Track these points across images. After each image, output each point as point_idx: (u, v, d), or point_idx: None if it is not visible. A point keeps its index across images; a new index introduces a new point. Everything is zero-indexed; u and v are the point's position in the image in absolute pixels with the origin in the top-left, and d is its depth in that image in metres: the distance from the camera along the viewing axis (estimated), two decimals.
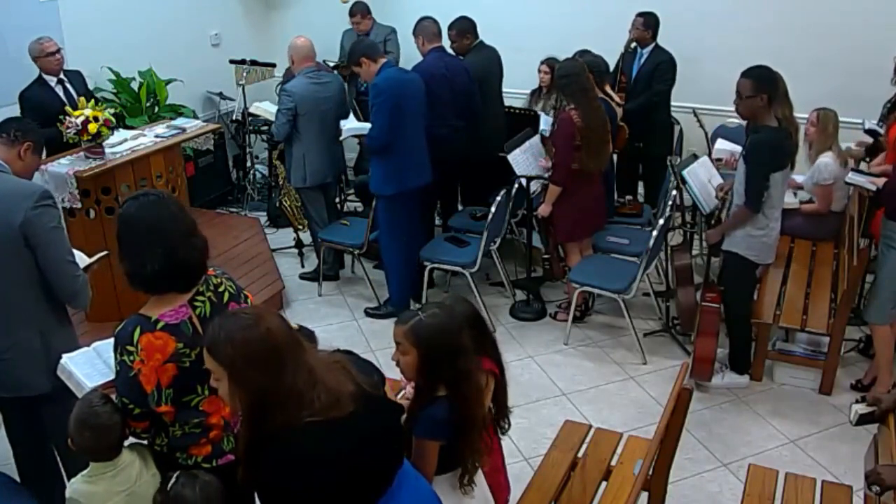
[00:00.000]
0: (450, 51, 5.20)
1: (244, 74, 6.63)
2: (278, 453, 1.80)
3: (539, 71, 5.75)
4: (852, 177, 4.43)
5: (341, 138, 4.93)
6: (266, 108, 5.25)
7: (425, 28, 5.03)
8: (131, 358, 2.08)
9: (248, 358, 1.78)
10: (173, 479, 2.12)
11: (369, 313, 5.08)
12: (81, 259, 2.89)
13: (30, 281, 2.68)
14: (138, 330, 2.09)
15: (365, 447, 1.92)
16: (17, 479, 3.11)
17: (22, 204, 2.60)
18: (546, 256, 5.09)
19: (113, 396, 2.18)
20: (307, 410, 1.81)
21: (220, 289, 2.27)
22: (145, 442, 2.28)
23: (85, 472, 2.20)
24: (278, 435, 1.80)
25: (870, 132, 4.87)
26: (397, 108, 4.55)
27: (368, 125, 4.71)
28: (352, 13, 6.47)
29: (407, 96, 4.62)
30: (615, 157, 5.25)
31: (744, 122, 4.31)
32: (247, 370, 1.78)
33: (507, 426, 2.57)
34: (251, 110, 5.53)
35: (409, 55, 5.36)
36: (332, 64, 6.52)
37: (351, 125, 4.91)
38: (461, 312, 2.40)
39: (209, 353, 1.83)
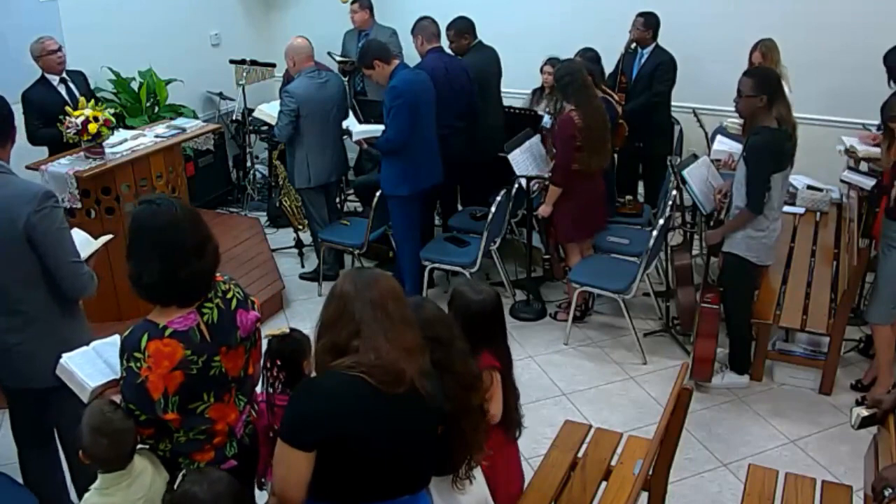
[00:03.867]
0: (448, 51, 5.20)
1: (244, 74, 6.64)
2: (310, 385, 2.01)
3: (542, 71, 5.71)
4: (848, 175, 4.44)
5: (353, 140, 4.92)
6: (269, 113, 5.24)
7: (425, 28, 5.02)
8: (138, 365, 2.06)
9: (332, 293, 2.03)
10: (180, 477, 2.09)
11: None
12: (88, 242, 2.88)
13: (37, 278, 2.68)
14: (146, 336, 2.07)
15: (390, 429, 1.95)
16: (18, 478, 3.11)
17: (25, 207, 2.59)
18: (546, 257, 5.09)
19: (116, 399, 2.16)
20: (349, 358, 1.92)
21: (229, 295, 2.26)
22: (149, 447, 2.27)
23: (97, 484, 2.15)
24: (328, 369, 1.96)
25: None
26: (414, 111, 4.54)
27: (379, 127, 4.70)
28: (352, 0, 6.45)
29: (422, 98, 4.62)
30: (615, 157, 5.24)
31: (741, 126, 4.32)
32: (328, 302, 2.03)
33: (518, 430, 2.57)
34: (255, 115, 5.52)
35: (411, 56, 5.35)
36: (338, 58, 6.51)
37: (362, 127, 4.89)
38: (463, 304, 2.44)
39: None
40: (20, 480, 3.09)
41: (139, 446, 2.21)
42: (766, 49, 4.96)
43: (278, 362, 2.37)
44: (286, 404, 2.06)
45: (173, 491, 2.08)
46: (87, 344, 2.44)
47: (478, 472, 2.36)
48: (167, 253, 2.07)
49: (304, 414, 1.94)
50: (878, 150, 4.58)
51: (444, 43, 5.21)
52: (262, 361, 2.43)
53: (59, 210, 2.72)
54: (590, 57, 5.10)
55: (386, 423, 1.94)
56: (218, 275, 2.25)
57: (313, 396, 1.96)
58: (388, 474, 2.00)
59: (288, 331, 2.44)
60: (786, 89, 4.58)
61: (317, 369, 2.01)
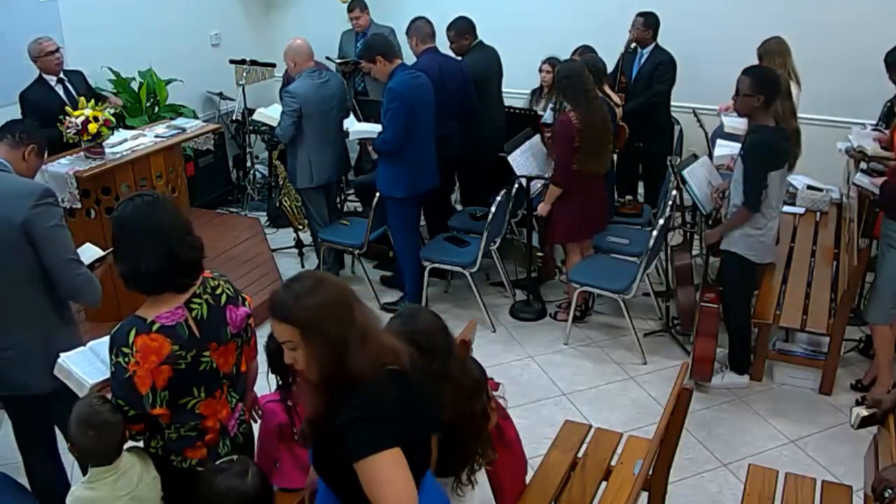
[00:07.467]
0: (446, 51, 5.19)
1: (244, 74, 6.64)
2: (362, 397, 1.77)
3: (541, 70, 5.74)
4: (860, 179, 4.43)
5: (350, 139, 4.90)
6: (270, 115, 5.25)
7: (419, 28, 5.01)
8: (126, 359, 2.07)
9: (322, 313, 1.76)
10: (224, 461, 2.10)
11: (387, 308, 5.00)
12: (92, 250, 2.88)
13: (31, 279, 2.66)
14: (134, 331, 2.09)
15: (425, 403, 1.92)
16: (19, 479, 3.10)
17: (23, 203, 2.59)
18: (540, 255, 5.08)
19: (109, 396, 2.17)
20: (385, 357, 1.82)
21: (218, 291, 2.26)
22: (141, 444, 2.27)
23: (84, 478, 2.16)
24: (361, 383, 1.78)
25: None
26: (412, 113, 4.53)
27: (377, 126, 4.70)
28: (350, 8, 6.47)
29: (420, 101, 4.61)
30: (615, 157, 5.24)
31: (740, 125, 4.30)
32: (323, 324, 1.75)
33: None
34: (255, 118, 5.53)
35: (408, 56, 5.35)
36: (338, 61, 6.52)
37: (359, 127, 4.88)
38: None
39: (281, 319, 1.77)
40: (20, 481, 3.09)
41: (130, 444, 2.22)
42: (763, 50, 4.87)
43: None
44: (352, 424, 1.78)
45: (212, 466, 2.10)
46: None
47: (480, 475, 2.35)
48: (161, 233, 2.11)
49: (387, 407, 1.78)
50: (885, 152, 4.58)
51: (444, 43, 5.20)
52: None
53: (58, 208, 2.72)
54: (588, 60, 5.10)
55: (421, 397, 1.91)
56: (207, 271, 2.26)
57: (381, 404, 1.80)
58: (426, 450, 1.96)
59: None
60: (794, 92, 4.57)
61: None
